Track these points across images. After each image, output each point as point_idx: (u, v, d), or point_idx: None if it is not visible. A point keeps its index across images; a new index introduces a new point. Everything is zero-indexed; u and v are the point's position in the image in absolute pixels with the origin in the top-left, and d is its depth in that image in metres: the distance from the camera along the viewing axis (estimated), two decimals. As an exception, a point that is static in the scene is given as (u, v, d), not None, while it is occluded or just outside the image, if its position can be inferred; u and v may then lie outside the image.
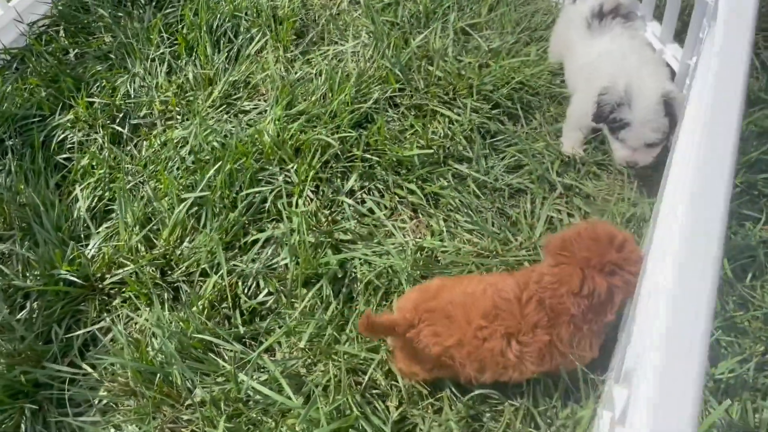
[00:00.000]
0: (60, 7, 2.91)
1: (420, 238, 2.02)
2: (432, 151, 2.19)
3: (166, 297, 1.95)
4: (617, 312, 1.50)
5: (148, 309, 1.95)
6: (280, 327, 1.85)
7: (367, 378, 1.73)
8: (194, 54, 2.62)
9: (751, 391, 1.63)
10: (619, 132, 1.94)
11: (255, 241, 2.04)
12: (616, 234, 1.49)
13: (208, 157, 2.24)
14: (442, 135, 2.25)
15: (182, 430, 1.73)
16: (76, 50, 2.74)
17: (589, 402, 1.62)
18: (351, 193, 2.15)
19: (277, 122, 2.29)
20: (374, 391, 1.75)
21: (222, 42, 2.65)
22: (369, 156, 2.21)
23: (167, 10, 2.82)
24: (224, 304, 1.92)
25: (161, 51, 2.62)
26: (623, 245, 1.47)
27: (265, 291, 1.94)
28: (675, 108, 1.84)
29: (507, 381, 1.60)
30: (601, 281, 1.45)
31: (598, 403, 1.60)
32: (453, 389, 1.70)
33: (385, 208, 2.12)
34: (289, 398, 1.69)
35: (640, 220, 1.99)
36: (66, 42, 2.80)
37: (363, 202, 2.13)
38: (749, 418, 1.60)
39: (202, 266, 1.96)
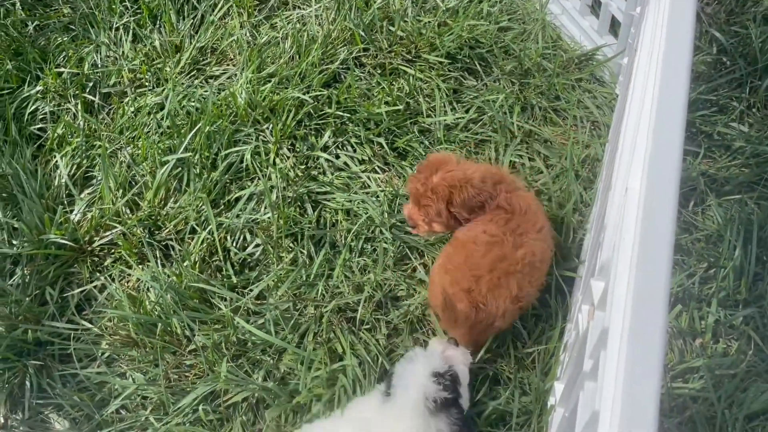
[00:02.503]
0: (13, -21, 2.87)
1: (392, 188, 2.16)
2: (399, 107, 2.32)
3: (156, 254, 2.04)
4: None
5: (140, 267, 2.03)
6: (269, 276, 1.98)
7: (358, 316, 1.88)
8: (159, 22, 2.66)
9: (697, 302, 1.85)
10: None
11: (237, 199, 2.14)
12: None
13: (184, 122, 2.31)
14: (407, 91, 2.38)
15: (186, 374, 1.84)
16: (36, 22, 2.73)
17: (557, 322, 1.81)
18: (325, 148, 2.27)
19: (248, 85, 2.37)
20: (364, 327, 1.90)
21: (186, 9, 2.69)
22: (340, 113, 2.32)
23: (126, -21, 2.83)
24: (215, 258, 2.03)
25: (125, 20, 2.64)
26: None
27: (253, 243, 2.05)
28: None
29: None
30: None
31: (566, 320, 1.80)
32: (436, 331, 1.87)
33: (360, 162, 2.24)
34: (284, 340, 1.83)
35: (593, 160, 2.19)
36: (23, 14, 2.78)
37: (337, 157, 2.25)
38: (696, 324, 1.82)
39: (191, 224, 2.05)
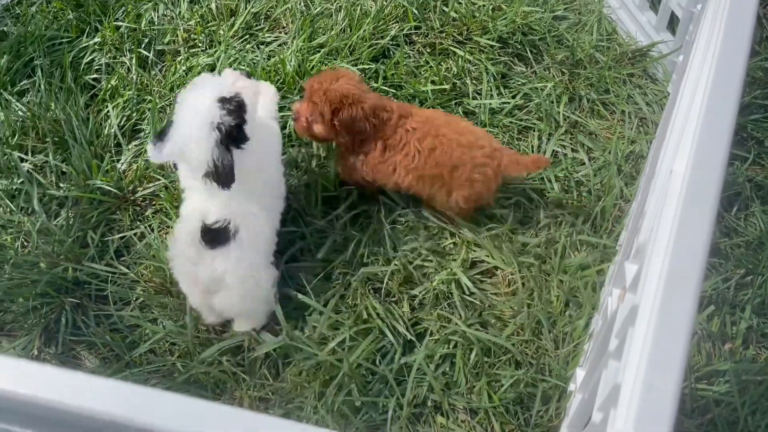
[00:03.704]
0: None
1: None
2: (446, 87, 2.32)
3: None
4: None
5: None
6: (302, 239, 2.01)
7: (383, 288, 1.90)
8: (217, -16, 2.70)
9: (731, 307, 1.82)
10: None
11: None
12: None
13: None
14: (455, 72, 2.38)
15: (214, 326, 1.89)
16: (97, -23, 2.80)
17: (584, 310, 1.80)
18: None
19: (298, 53, 2.40)
20: (388, 299, 1.92)
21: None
22: (386, 88, 2.33)
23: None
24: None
25: (184, -19, 2.69)
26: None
27: (289, 207, 2.09)
28: None
29: None
30: None
31: (594, 311, 1.79)
32: (461, 298, 1.88)
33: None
34: (316, 300, 1.87)
35: (638, 157, 2.16)
36: (87, -32, 2.85)
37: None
38: (727, 329, 1.80)
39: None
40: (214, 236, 1.65)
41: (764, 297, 1.79)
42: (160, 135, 1.64)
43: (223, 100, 1.60)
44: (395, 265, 1.96)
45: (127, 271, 1.98)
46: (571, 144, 2.22)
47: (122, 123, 2.33)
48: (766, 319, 1.78)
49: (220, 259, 1.67)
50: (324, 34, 2.50)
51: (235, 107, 1.61)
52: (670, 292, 0.80)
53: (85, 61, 2.48)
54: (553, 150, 2.20)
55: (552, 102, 2.30)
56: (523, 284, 1.92)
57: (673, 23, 2.30)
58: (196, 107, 1.59)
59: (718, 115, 1.05)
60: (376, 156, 1.95)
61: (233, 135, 1.61)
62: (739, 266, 1.88)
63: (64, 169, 2.18)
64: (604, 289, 1.80)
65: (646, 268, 0.95)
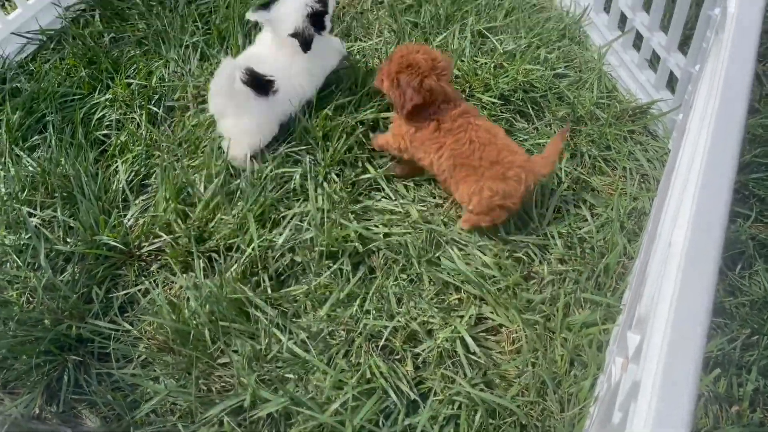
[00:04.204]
0: (97, -7, 3.05)
1: (433, 214, 2.18)
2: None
3: (201, 264, 2.10)
4: None
5: (184, 275, 2.10)
6: (306, 295, 2.01)
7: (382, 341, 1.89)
8: (226, 43, 2.77)
9: (737, 368, 1.80)
10: None
11: (284, 217, 2.20)
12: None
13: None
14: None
15: (215, 385, 1.88)
16: (111, 35, 2.88)
17: (590, 370, 1.79)
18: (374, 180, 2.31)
19: (306, 108, 2.44)
20: (391, 356, 1.91)
21: (253, 33, 2.80)
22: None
23: (200, 2, 2.97)
24: (255, 268, 2.07)
25: (195, 39, 2.77)
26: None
27: (293, 261, 2.10)
28: None
29: None
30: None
31: (599, 371, 1.77)
32: (465, 356, 1.87)
33: (403, 194, 2.28)
34: (318, 359, 1.85)
35: (640, 213, 2.17)
36: (101, 26, 2.93)
37: (383, 189, 2.29)
38: (734, 391, 1.77)
39: (236, 241, 2.11)
40: (260, 84, 2.21)
41: (771, 358, 1.77)
42: (264, 5, 2.28)
43: None
44: (399, 321, 1.96)
45: (130, 327, 1.99)
46: (573, 200, 2.24)
47: (131, 178, 2.37)
48: (774, 381, 1.76)
49: (253, 102, 2.23)
50: (331, 91, 2.56)
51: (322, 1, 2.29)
52: (669, 373, 0.80)
53: (96, 117, 2.54)
54: (556, 206, 2.22)
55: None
56: (528, 342, 1.91)
57: (672, 82, 2.34)
58: None
59: (715, 182, 1.06)
60: (426, 133, 2.12)
61: (317, 18, 2.28)
62: (744, 326, 1.87)
63: (71, 224, 2.21)
64: (609, 348, 1.79)
65: (648, 341, 0.95)
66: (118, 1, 3.03)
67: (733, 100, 1.12)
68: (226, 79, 2.15)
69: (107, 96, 2.59)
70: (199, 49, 2.75)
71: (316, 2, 2.27)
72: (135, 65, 2.71)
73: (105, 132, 2.51)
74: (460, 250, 2.12)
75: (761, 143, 2.24)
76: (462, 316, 1.97)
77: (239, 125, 2.27)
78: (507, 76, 2.51)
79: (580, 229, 2.15)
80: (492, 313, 2.00)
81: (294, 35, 2.24)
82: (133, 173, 2.38)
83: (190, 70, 2.71)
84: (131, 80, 2.63)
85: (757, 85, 2.45)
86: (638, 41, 2.46)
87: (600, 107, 2.44)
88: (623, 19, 2.52)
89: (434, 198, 2.27)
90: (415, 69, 2.08)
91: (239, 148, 2.30)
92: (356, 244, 2.10)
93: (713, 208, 0.97)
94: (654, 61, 2.43)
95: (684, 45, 2.24)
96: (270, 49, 2.33)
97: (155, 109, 2.55)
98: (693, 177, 1.08)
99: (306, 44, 2.26)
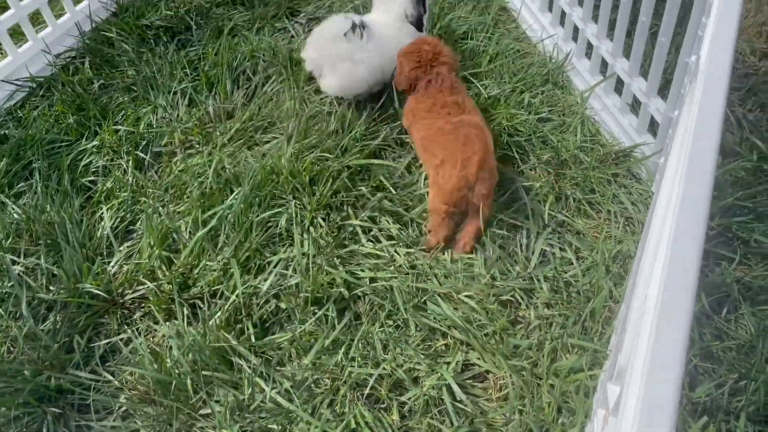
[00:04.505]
0: (87, 41, 3.09)
1: (418, 258, 2.17)
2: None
3: (184, 312, 2.08)
4: None
5: (167, 323, 2.07)
6: (291, 343, 1.99)
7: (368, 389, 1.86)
8: (215, 89, 2.81)
9: (725, 414, 1.78)
10: None
11: (269, 263, 2.19)
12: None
13: (227, 184, 2.39)
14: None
15: (197, 436, 1.85)
16: (101, 81, 2.91)
17: (577, 418, 1.76)
18: (360, 221, 2.31)
19: (292, 154, 2.46)
20: (377, 405, 1.88)
21: (241, 79, 2.84)
22: (377, 187, 2.38)
23: (189, 49, 3.02)
24: (239, 316, 2.05)
25: (183, 85, 2.80)
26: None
27: (278, 308, 2.08)
28: None
29: None
30: None
31: (586, 419, 1.75)
32: (452, 404, 1.84)
33: (389, 238, 2.28)
34: (302, 408, 1.82)
35: (625, 257, 2.17)
36: (91, 73, 2.97)
37: (369, 230, 2.29)
38: (724, 438, 1.75)
39: (220, 287, 2.10)
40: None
41: (758, 404, 1.75)
42: None
43: None
44: (384, 368, 1.93)
45: (111, 378, 1.95)
46: (559, 243, 2.24)
47: (116, 224, 2.36)
48: (762, 427, 1.73)
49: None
50: (317, 135, 2.58)
51: None
52: (645, 424, 0.79)
53: (82, 163, 2.55)
54: (542, 249, 2.22)
55: (539, 201, 2.34)
56: (514, 389, 1.89)
57: (654, 126, 2.38)
58: None
59: (686, 237, 1.06)
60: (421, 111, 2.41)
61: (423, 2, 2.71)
62: (731, 371, 1.85)
63: (55, 272, 2.19)
64: (596, 395, 1.77)
65: (626, 394, 0.94)
66: (108, 49, 3.08)
67: (702, 151, 1.13)
68: (337, 26, 2.54)
69: (94, 142, 2.61)
70: (188, 95, 2.78)
71: None
72: (123, 111, 2.73)
73: (91, 178, 2.52)
74: (447, 294, 2.11)
75: (743, 186, 2.26)
76: (448, 363, 1.95)
77: (339, 69, 2.57)
78: (492, 121, 2.54)
79: (566, 273, 2.14)
80: (479, 359, 1.98)
81: (404, 17, 2.66)
82: (118, 219, 2.37)
83: (178, 115, 2.74)
84: (119, 126, 2.65)
85: (738, 129, 2.49)
86: (620, 86, 2.50)
87: (584, 151, 2.47)
88: (605, 63, 2.57)
89: (421, 234, 2.26)
90: (416, 56, 2.41)
91: (333, 86, 2.62)
92: (342, 289, 2.09)
93: (685, 262, 0.97)
94: (636, 105, 2.47)
95: (665, 90, 2.28)
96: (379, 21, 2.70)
97: (142, 155, 2.56)
98: (667, 227, 1.08)
99: (419, 24, 2.70)
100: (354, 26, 2.53)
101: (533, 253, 2.21)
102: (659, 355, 0.87)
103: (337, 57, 2.56)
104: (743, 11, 2.98)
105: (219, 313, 2.06)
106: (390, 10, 2.69)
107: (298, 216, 2.29)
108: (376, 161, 2.46)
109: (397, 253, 2.22)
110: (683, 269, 0.93)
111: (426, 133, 2.31)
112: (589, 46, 2.63)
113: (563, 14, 2.78)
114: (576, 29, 2.71)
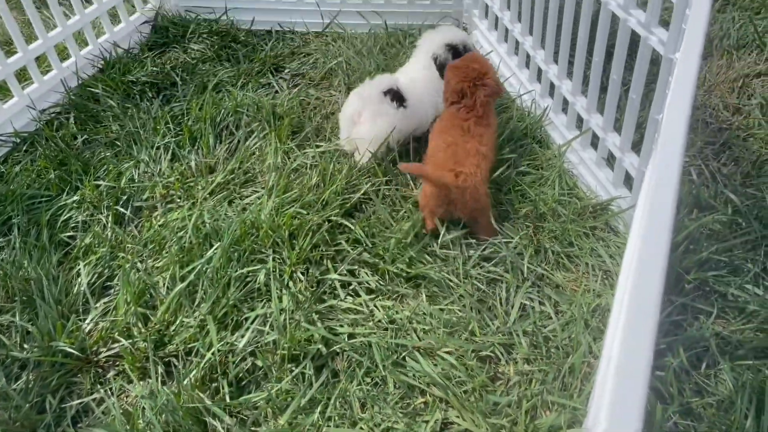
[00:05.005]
0: (72, 97, 3.13)
1: (398, 312, 2.16)
2: (412, 237, 2.37)
3: (159, 371, 2.04)
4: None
5: (141, 382, 2.04)
6: (267, 402, 1.95)
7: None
8: (197, 144, 2.83)
9: (708, 473, 1.75)
10: None
11: (246, 319, 2.17)
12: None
13: (207, 239, 2.39)
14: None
15: (168, 501, 1.79)
16: (85, 137, 2.94)
17: None
18: (340, 275, 2.30)
19: (273, 209, 2.47)
20: (355, 467, 1.84)
21: (224, 134, 2.87)
22: (357, 240, 2.38)
23: (174, 104, 3.06)
24: (215, 374, 2.02)
25: (166, 140, 2.83)
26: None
27: (254, 365, 2.05)
28: None
29: None
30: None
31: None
32: (431, 466, 1.80)
33: (370, 291, 2.27)
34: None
35: (604, 310, 2.17)
36: (75, 129, 3.00)
37: (349, 284, 2.28)
38: (706, 499, 1.71)
39: (195, 345, 2.07)
40: (399, 98, 2.70)
41: (740, 463, 1.73)
42: None
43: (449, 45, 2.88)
44: (362, 428, 1.90)
45: (82, 440, 1.91)
46: (538, 297, 2.24)
47: (93, 280, 2.34)
48: (745, 487, 1.71)
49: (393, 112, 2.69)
50: (298, 189, 2.59)
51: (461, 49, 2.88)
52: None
53: (62, 218, 2.55)
54: (521, 303, 2.21)
55: (519, 254, 2.34)
56: (494, 449, 1.85)
57: (629, 179, 2.41)
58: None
59: (642, 298, 1.06)
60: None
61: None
62: (712, 428, 1.83)
63: (29, 329, 2.16)
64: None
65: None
66: (93, 104, 3.11)
67: (658, 210, 1.14)
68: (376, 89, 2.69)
69: (75, 197, 2.61)
70: (171, 150, 2.81)
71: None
72: (105, 167, 2.75)
73: (70, 234, 2.51)
74: (427, 349, 2.09)
75: (719, 239, 2.28)
76: (427, 421, 1.92)
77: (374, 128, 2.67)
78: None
79: (545, 328, 2.14)
80: (458, 417, 1.95)
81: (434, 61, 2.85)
82: (96, 275, 2.36)
83: (160, 170, 2.75)
84: (100, 182, 2.66)
85: (713, 182, 2.53)
86: (596, 140, 2.55)
87: (562, 204, 2.49)
88: (581, 118, 2.62)
89: (402, 287, 2.26)
90: (463, 71, 2.51)
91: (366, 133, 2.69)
92: (320, 346, 2.07)
93: (641, 326, 0.96)
94: (612, 159, 2.51)
95: (640, 144, 2.32)
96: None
97: (123, 209, 2.57)
98: (627, 288, 1.09)
99: (441, 72, 2.82)
100: (386, 93, 2.67)
101: (513, 307, 2.20)
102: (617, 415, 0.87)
103: (377, 111, 2.67)
104: (709, 69, 3.07)
105: (195, 371, 2.02)
106: (420, 56, 2.89)
107: (277, 271, 2.28)
108: (351, 220, 2.47)
109: (377, 308, 2.21)
110: (639, 331, 0.93)
111: (434, 143, 2.48)
112: (566, 101, 2.69)
113: (540, 71, 2.85)
114: (552, 85, 2.77)
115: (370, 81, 2.74)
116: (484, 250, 2.38)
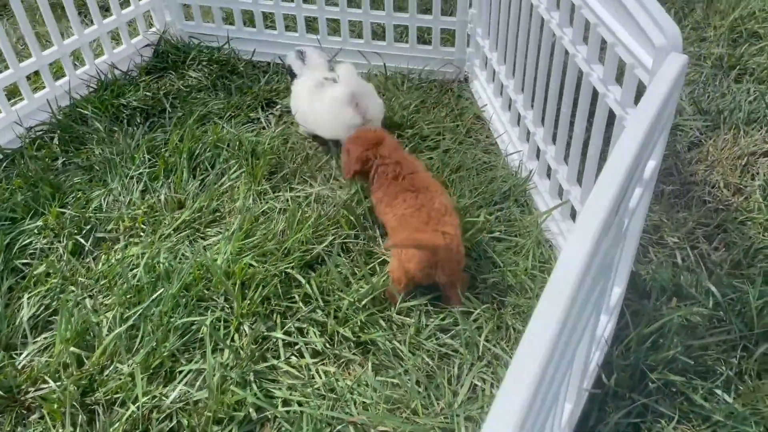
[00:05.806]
0: (60, 117, 3.12)
1: (338, 380, 2.04)
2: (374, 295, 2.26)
3: (81, 419, 1.96)
4: None
5: (62, 430, 1.96)
6: (184, 467, 1.85)
7: None
8: (172, 176, 2.78)
9: None
10: None
11: (180, 371, 2.08)
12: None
13: (158, 281, 2.32)
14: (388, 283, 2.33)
15: None
16: (64, 159, 2.91)
17: None
18: (287, 333, 2.20)
19: (230, 255, 2.38)
20: None
21: (199, 169, 2.81)
22: (311, 297, 2.28)
23: (157, 132, 3.01)
24: (135, 435, 1.93)
25: (140, 171, 2.78)
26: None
27: (179, 424, 1.95)
28: None
29: None
30: None
31: None
32: None
33: (316, 354, 2.16)
34: None
35: (558, 402, 2.01)
36: (58, 149, 2.98)
37: (294, 344, 2.18)
38: None
39: (121, 395, 1.99)
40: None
41: None
42: None
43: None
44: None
45: (-14, 488, 1.83)
46: (491, 378, 2.09)
47: (39, 312, 2.29)
48: None
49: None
50: (263, 234, 2.50)
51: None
52: None
53: (21, 243, 2.50)
54: (471, 383, 2.07)
55: (478, 328, 2.21)
56: None
57: (604, 259, 2.26)
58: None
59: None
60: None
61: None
62: None
63: (-39, 361, 2.11)
64: None
65: None
66: (79, 126, 3.10)
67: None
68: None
69: (38, 222, 2.57)
70: (143, 181, 2.76)
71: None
72: (75, 193, 2.71)
73: (26, 261, 2.46)
74: (362, 425, 1.96)
75: (694, 335, 2.10)
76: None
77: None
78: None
79: (492, 414, 1.98)
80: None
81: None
82: (42, 307, 2.30)
83: (130, 200, 2.70)
84: (65, 209, 2.62)
85: (697, 268, 2.35)
86: (575, 212, 2.40)
87: (532, 278, 2.35)
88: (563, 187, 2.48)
89: (350, 352, 2.14)
90: (362, 140, 2.51)
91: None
92: (251, 410, 1.96)
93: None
94: (590, 234, 2.36)
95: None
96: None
97: (82, 240, 2.51)
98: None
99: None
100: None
101: (462, 386, 2.06)
102: None
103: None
104: (714, 143, 2.89)
105: (117, 425, 1.94)
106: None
107: (223, 322, 2.19)
108: (312, 272, 2.37)
109: (318, 374, 2.10)
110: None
111: (395, 223, 2.35)
112: (550, 167, 2.55)
113: (529, 132, 2.73)
114: (539, 149, 2.64)
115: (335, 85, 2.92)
116: (443, 319, 2.24)
